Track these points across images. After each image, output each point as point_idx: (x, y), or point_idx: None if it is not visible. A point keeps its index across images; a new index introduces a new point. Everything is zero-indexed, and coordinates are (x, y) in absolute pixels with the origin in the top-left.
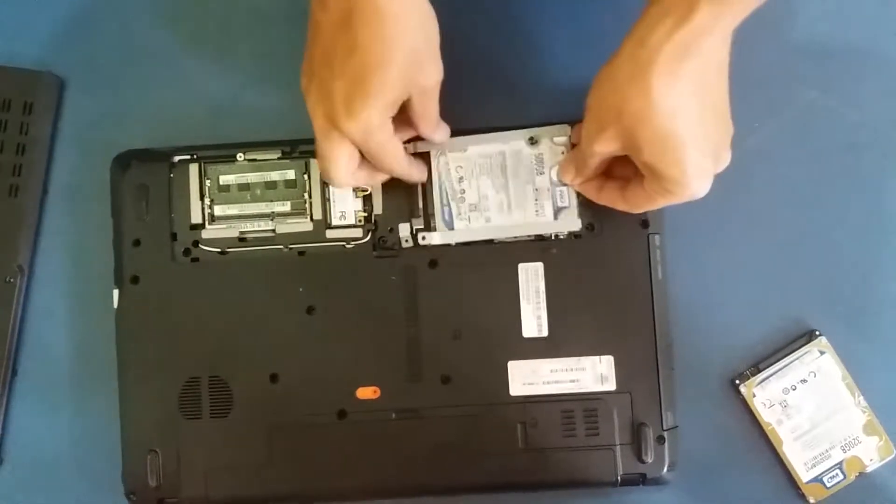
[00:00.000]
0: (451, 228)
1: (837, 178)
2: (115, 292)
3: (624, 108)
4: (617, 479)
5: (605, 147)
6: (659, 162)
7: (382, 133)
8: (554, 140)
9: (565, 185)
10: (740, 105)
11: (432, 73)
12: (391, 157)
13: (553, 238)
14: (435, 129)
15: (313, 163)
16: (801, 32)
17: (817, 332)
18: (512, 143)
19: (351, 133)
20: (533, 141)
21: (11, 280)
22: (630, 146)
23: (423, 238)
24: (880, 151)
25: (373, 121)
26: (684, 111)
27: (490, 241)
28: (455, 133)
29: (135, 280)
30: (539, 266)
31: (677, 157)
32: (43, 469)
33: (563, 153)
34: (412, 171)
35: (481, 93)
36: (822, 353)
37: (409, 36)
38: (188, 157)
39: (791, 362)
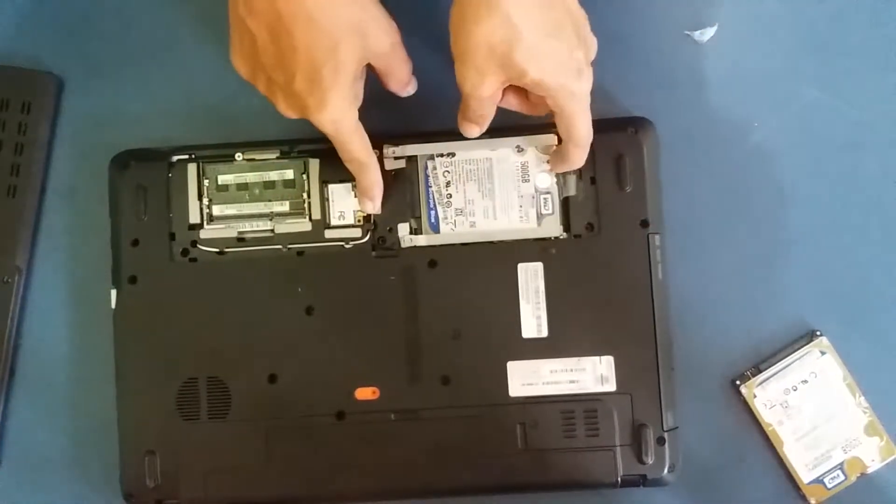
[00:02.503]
0: (437, 232)
1: (838, 177)
2: (113, 292)
3: (493, 42)
4: (617, 481)
5: (492, 88)
6: (543, 77)
7: (349, 120)
8: (540, 148)
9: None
10: (740, 104)
11: (381, 37)
12: (359, 147)
13: (552, 238)
14: (404, 87)
15: (312, 162)
16: (802, 31)
17: (818, 333)
18: (499, 151)
19: (324, 124)
20: (520, 149)
21: (9, 280)
22: (514, 74)
23: (412, 240)
24: (881, 150)
25: (338, 106)
26: (540, 24)
27: (488, 242)
28: (444, 136)
29: (133, 280)
30: (539, 266)
31: (548, 66)
32: (41, 470)
33: (547, 161)
34: (373, 180)
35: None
36: (822, 353)
37: (343, 16)
38: (186, 156)
39: (792, 363)
